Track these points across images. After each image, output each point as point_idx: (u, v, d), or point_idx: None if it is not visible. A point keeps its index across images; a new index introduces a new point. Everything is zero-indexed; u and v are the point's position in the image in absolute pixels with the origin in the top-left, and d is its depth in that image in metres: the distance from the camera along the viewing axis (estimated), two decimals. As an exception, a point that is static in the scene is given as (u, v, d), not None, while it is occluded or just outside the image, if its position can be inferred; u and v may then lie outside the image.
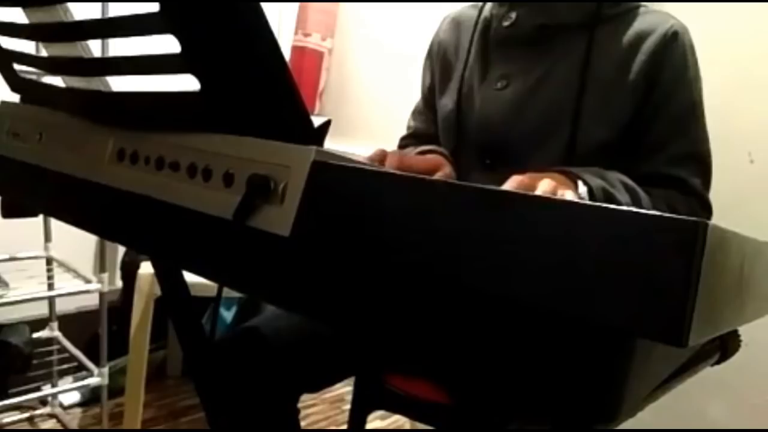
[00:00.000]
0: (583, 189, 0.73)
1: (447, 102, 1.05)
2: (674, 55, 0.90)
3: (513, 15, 0.97)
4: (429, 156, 0.99)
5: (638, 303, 0.28)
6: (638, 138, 0.91)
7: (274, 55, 0.44)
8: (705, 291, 0.28)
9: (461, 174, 1.01)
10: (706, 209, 0.92)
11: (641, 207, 0.79)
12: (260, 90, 0.46)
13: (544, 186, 0.65)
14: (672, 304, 0.28)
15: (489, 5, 1.03)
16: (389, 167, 0.82)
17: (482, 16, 1.04)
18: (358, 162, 0.43)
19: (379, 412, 1.67)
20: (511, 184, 0.66)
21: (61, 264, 1.69)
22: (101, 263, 1.64)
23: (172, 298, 0.85)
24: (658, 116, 0.90)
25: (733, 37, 1.43)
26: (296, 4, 2.33)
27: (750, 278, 0.37)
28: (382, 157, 0.83)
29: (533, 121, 0.93)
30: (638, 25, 0.92)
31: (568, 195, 0.66)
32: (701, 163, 0.91)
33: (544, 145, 0.92)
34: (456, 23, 1.10)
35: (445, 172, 0.95)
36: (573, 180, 0.75)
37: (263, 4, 0.43)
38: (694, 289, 0.27)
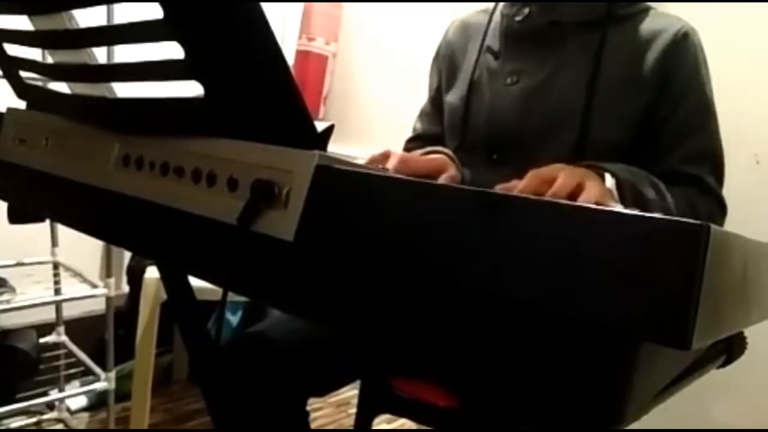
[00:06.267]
0: (611, 181, 0.73)
1: (454, 98, 1.06)
2: (686, 54, 0.91)
3: (526, 10, 0.98)
4: (433, 156, 0.99)
5: (642, 306, 0.28)
6: (651, 136, 0.91)
7: (276, 60, 0.45)
8: (708, 293, 0.28)
9: (468, 170, 1.01)
10: (722, 207, 0.92)
11: (666, 203, 0.80)
12: (263, 95, 0.46)
13: (562, 179, 0.65)
14: (675, 307, 0.28)
15: (500, 7, 1.04)
16: (392, 168, 0.82)
17: (494, 18, 1.05)
18: (362, 166, 0.43)
19: (385, 416, 1.67)
20: (527, 181, 0.66)
21: (68, 269, 1.70)
22: (107, 268, 1.64)
23: (178, 302, 0.85)
24: (672, 114, 0.90)
25: (739, 39, 1.43)
26: (300, 9, 2.34)
27: (754, 280, 0.37)
28: (385, 157, 0.83)
29: (542, 118, 0.94)
30: (649, 25, 0.93)
31: (591, 187, 0.65)
32: (715, 160, 0.92)
33: (552, 141, 0.93)
34: (464, 26, 1.11)
35: (449, 173, 0.95)
36: (599, 173, 0.75)
37: (266, 9, 0.43)
38: (697, 292, 0.27)
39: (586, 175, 0.68)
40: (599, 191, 0.65)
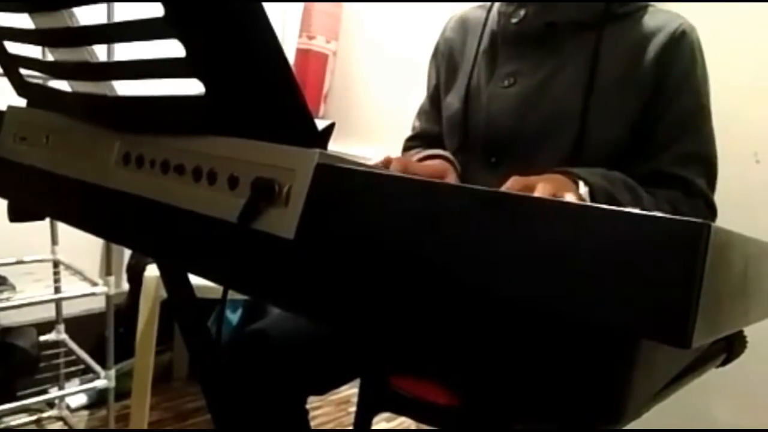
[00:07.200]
0: (584, 189, 0.73)
1: (453, 100, 1.05)
2: (682, 53, 0.90)
3: (522, 12, 0.97)
4: (433, 162, 0.99)
5: (642, 304, 0.28)
6: (645, 135, 0.91)
7: (277, 58, 0.45)
8: (709, 292, 0.28)
9: (467, 173, 1.01)
10: (711, 210, 0.91)
11: (643, 207, 0.79)
12: (264, 93, 0.46)
13: (540, 190, 0.65)
14: (676, 306, 0.28)
15: (497, 5, 1.03)
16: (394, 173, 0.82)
17: (491, 16, 1.04)
18: (362, 164, 0.43)
19: (385, 414, 1.67)
20: (510, 185, 0.67)
21: (68, 267, 1.70)
22: (107, 266, 1.64)
23: (178, 300, 0.85)
24: (664, 115, 0.89)
25: (740, 38, 1.43)
26: (300, 7, 2.34)
27: (754, 279, 0.37)
28: (387, 163, 0.83)
29: (540, 120, 0.93)
30: (647, 23, 0.92)
31: (568, 198, 0.66)
32: (706, 163, 0.91)
33: (550, 143, 0.92)
34: (462, 22, 1.10)
35: (449, 178, 0.95)
36: (574, 180, 0.75)
37: (266, 7, 0.43)
38: (697, 290, 0.27)
39: (561, 186, 0.69)
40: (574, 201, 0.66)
